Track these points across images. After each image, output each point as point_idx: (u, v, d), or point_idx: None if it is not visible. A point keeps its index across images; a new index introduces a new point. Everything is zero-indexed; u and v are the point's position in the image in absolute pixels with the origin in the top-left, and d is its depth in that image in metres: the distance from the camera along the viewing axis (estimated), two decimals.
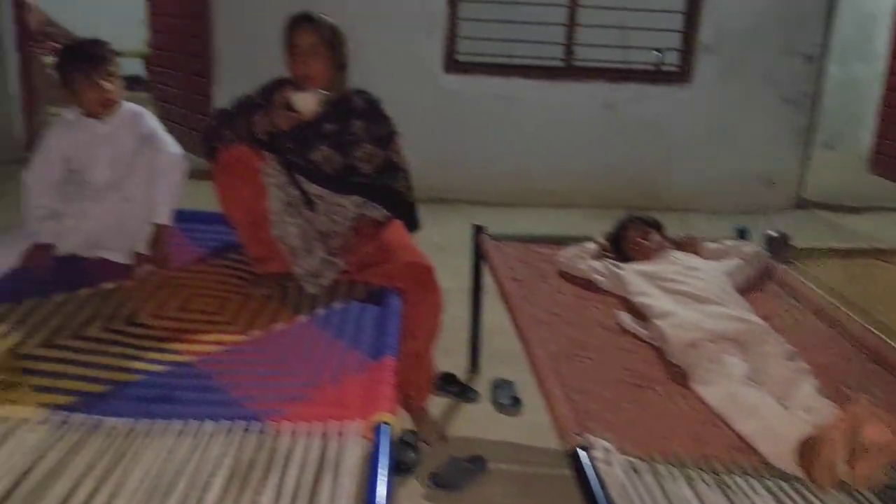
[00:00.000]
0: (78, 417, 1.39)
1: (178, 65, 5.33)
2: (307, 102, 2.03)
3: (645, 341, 1.99)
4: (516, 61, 4.91)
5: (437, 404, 2.45)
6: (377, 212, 2.24)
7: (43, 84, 5.36)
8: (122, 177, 2.21)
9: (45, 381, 1.52)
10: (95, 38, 2.16)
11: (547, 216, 4.67)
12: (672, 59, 5.03)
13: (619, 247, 2.46)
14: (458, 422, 2.44)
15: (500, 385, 2.60)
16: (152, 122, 2.26)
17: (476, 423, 2.43)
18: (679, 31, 4.95)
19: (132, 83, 8.40)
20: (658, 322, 1.96)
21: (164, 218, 2.20)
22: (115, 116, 2.20)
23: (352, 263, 2.21)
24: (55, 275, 2.09)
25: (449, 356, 2.59)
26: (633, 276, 2.22)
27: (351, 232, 2.22)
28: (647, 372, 1.83)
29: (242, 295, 2.08)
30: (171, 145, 2.22)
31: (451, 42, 4.83)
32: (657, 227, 2.49)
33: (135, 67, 8.30)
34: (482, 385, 2.64)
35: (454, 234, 3.12)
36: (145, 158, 2.19)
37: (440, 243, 3.21)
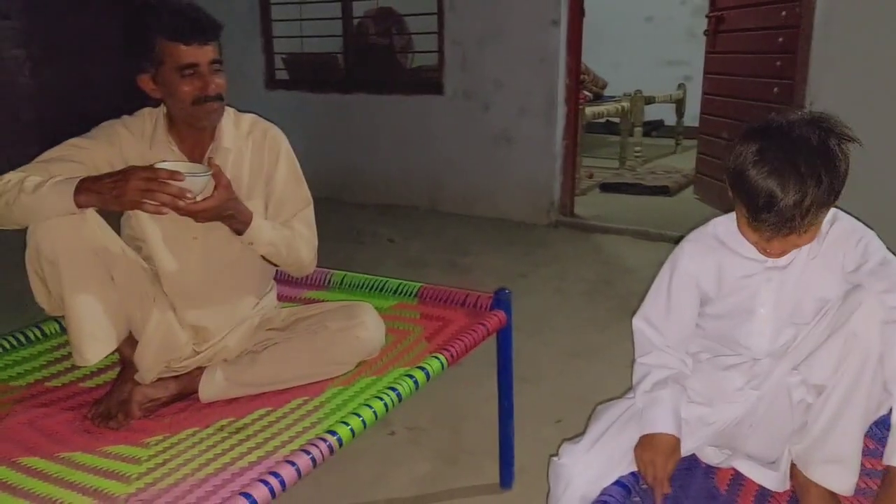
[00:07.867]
0: None
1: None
2: None
3: None
4: None
5: None
6: None
7: (580, 139, 4.91)
8: (795, 338, 1.24)
9: None
10: None
11: None
12: None
13: None
14: None
15: None
16: (874, 243, 1.24)
17: None
18: None
19: (653, 128, 7.80)
20: None
21: None
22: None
23: None
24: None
25: None
26: None
27: None
28: None
29: None
30: None
31: None
32: None
33: (660, 112, 7.62)
34: None
35: None
36: (853, 313, 1.16)
37: None
